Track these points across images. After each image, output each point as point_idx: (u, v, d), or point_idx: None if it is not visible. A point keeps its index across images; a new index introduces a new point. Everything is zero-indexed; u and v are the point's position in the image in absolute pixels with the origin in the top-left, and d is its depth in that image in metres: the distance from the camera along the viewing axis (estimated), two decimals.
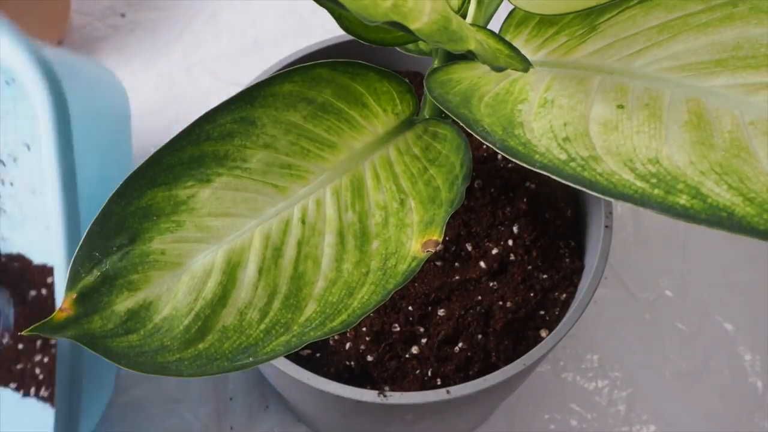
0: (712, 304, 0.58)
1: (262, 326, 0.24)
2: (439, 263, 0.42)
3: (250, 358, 0.23)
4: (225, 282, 0.25)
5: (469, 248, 0.44)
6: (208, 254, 0.25)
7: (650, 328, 0.56)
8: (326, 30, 0.58)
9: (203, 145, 0.27)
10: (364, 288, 0.26)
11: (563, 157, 0.21)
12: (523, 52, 0.30)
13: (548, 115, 0.23)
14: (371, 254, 0.27)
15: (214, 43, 0.67)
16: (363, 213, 0.28)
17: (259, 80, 0.29)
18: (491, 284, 0.45)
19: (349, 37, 0.40)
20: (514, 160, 0.22)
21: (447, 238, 0.44)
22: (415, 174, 0.29)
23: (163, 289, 0.24)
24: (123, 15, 0.69)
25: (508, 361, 0.39)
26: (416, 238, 0.27)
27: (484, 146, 0.47)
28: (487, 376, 0.38)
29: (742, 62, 0.23)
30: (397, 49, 0.37)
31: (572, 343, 0.56)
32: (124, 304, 0.24)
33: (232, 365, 0.23)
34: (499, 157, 0.47)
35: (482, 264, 0.45)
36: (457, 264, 0.43)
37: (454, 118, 0.24)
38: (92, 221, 0.25)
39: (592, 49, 0.27)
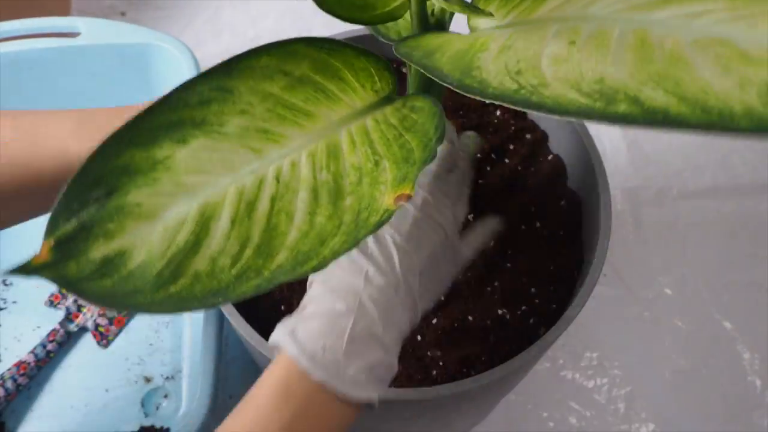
0: (712, 303, 0.57)
1: (234, 271, 0.25)
2: None
3: (220, 299, 0.24)
4: (198, 231, 0.26)
5: None
6: (182, 207, 0.26)
7: (649, 326, 0.56)
8: (326, 29, 0.60)
9: (181, 111, 0.28)
10: (336, 238, 0.26)
11: (514, 87, 0.22)
12: (493, 18, 0.31)
13: (505, 56, 0.24)
14: (344, 209, 0.27)
15: (214, 43, 0.68)
16: (338, 173, 0.29)
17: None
18: (490, 281, 0.45)
19: (349, 36, 0.42)
20: (469, 95, 0.22)
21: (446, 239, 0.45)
22: (391, 139, 0.30)
23: (137, 237, 0.25)
24: (123, 14, 0.70)
25: (507, 358, 0.39)
26: (389, 193, 0.28)
27: (492, 156, 0.48)
28: (485, 373, 0.38)
29: None
30: (376, 35, 0.38)
31: (571, 341, 0.55)
32: (99, 250, 0.25)
33: (201, 305, 0.24)
34: (506, 160, 0.48)
35: (481, 261, 0.45)
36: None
37: (416, 67, 0.25)
38: (71, 178, 0.25)
39: (552, 6, 0.28)
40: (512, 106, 0.21)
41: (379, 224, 0.26)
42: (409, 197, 0.27)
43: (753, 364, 0.55)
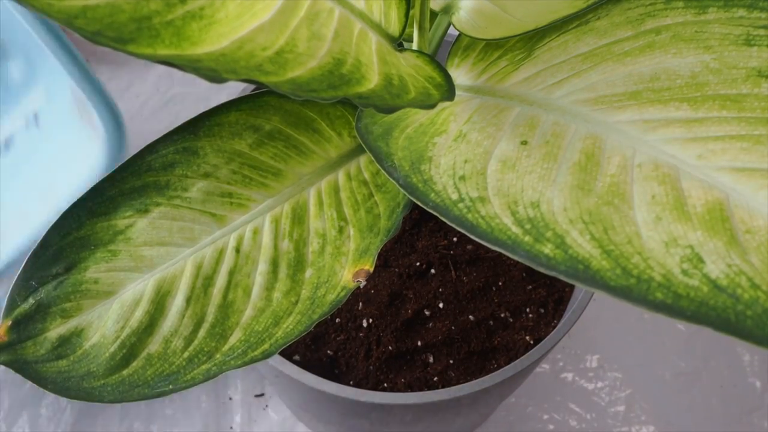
0: None
1: (186, 354, 0.25)
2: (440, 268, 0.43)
3: (170, 386, 0.24)
4: (152, 311, 0.26)
5: (469, 248, 0.44)
6: (139, 283, 0.26)
7: (650, 328, 0.56)
8: None
9: (145, 176, 0.28)
10: (291, 317, 0.26)
11: (455, 197, 0.21)
12: (468, 76, 0.30)
13: (456, 150, 0.23)
14: (303, 282, 0.27)
15: None
16: (301, 241, 0.28)
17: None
18: (490, 283, 0.44)
19: None
20: (410, 197, 0.22)
21: (446, 241, 0.44)
22: (359, 201, 0.30)
23: (94, 316, 0.26)
24: None
25: (508, 361, 0.39)
26: (349, 268, 0.27)
27: None
28: (487, 376, 0.38)
29: (656, 95, 0.22)
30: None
31: (572, 343, 0.55)
32: (56, 330, 0.25)
33: (152, 392, 0.24)
34: None
35: (481, 263, 0.44)
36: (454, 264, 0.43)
37: (369, 152, 0.24)
38: (31, 251, 0.26)
39: (524, 76, 0.27)
40: (447, 222, 0.20)
41: (335, 303, 0.26)
42: (368, 273, 0.27)
43: (753, 365, 0.55)
